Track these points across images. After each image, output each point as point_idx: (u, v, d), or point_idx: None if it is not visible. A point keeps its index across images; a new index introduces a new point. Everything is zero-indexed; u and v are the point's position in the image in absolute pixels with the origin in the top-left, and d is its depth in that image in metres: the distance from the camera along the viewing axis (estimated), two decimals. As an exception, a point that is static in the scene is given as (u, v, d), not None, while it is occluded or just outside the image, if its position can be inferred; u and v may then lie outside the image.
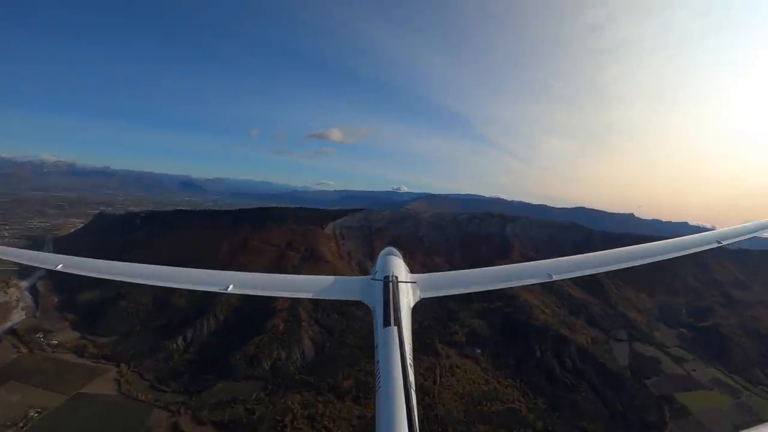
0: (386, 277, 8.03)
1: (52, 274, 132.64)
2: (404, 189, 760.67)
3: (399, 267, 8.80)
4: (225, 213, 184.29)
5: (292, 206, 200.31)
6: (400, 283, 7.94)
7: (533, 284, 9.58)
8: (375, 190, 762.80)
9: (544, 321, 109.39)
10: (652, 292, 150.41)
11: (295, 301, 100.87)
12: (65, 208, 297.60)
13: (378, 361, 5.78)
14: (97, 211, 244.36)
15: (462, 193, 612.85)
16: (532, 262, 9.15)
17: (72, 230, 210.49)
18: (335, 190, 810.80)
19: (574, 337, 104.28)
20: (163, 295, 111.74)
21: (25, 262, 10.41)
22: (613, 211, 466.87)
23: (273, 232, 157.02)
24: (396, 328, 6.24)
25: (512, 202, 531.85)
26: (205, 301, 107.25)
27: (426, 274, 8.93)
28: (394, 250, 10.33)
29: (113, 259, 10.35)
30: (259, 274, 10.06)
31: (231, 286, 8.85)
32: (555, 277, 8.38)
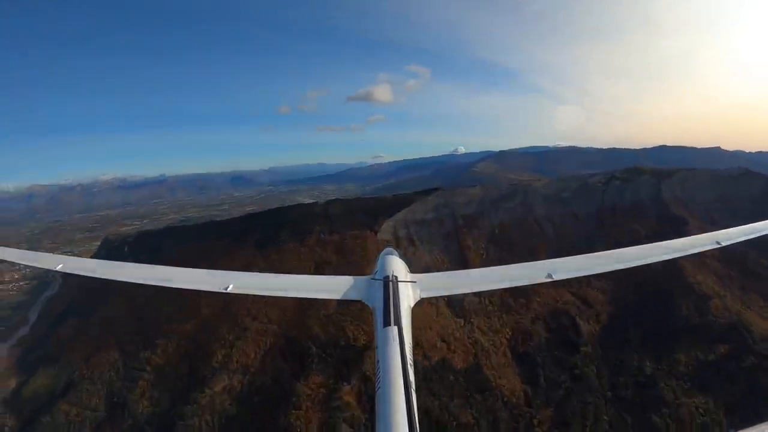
0: (386, 277, 8.14)
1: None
2: (462, 150, 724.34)
3: (399, 267, 8.81)
4: (230, 223, 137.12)
5: (324, 199, 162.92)
6: (400, 283, 7.99)
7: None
8: (432, 155, 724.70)
9: None
10: None
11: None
12: (97, 230, 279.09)
13: (378, 361, 5.78)
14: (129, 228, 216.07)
15: (525, 145, 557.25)
16: (532, 263, 9.08)
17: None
18: (389, 162, 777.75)
19: None
20: (125, 391, 65.96)
21: (25, 263, 10.26)
22: (698, 146, 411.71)
23: (292, 251, 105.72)
24: (396, 327, 6.27)
25: (587, 148, 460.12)
26: (179, 396, 60.56)
27: (426, 274, 9.00)
28: (394, 249, 10.28)
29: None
30: (258, 274, 10.73)
31: (231, 286, 8.83)
32: (555, 277, 8.40)
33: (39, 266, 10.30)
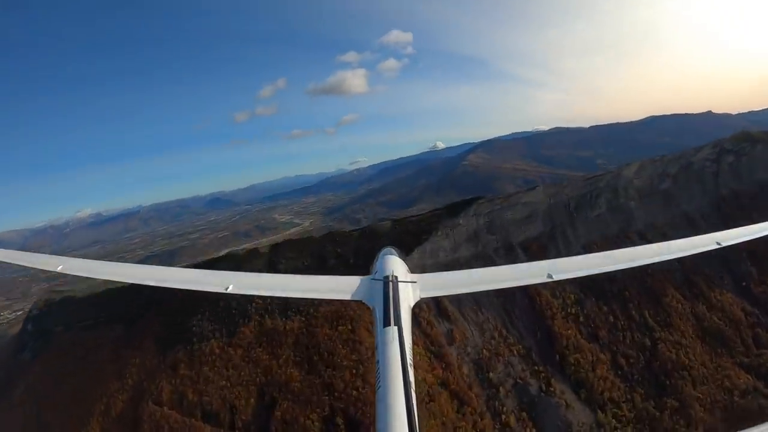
0: (386, 277, 7.92)
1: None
2: (441, 145, 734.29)
3: (399, 266, 8.55)
4: (132, 297, 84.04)
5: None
6: (400, 283, 7.81)
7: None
8: (411, 154, 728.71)
9: None
10: None
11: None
12: (58, 278, 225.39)
13: (378, 361, 5.77)
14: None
15: (506, 133, 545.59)
16: (532, 263, 8.99)
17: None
18: (369, 165, 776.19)
19: None
20: None
21: (24, 264, 9.88)
22: (692, 112, 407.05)
23: (215, 358, 59.68)
24: (396, 328, 6.25)
25: (577, 128, 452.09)
26: None
27: (426, 274, 8.70)
28: (393, 249, 9.63)
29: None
30: (258, 274, 10.88)
31: (231, 287, 8.63)
32: (555, 277, 8.13)
33: (39, 267, 10.02)
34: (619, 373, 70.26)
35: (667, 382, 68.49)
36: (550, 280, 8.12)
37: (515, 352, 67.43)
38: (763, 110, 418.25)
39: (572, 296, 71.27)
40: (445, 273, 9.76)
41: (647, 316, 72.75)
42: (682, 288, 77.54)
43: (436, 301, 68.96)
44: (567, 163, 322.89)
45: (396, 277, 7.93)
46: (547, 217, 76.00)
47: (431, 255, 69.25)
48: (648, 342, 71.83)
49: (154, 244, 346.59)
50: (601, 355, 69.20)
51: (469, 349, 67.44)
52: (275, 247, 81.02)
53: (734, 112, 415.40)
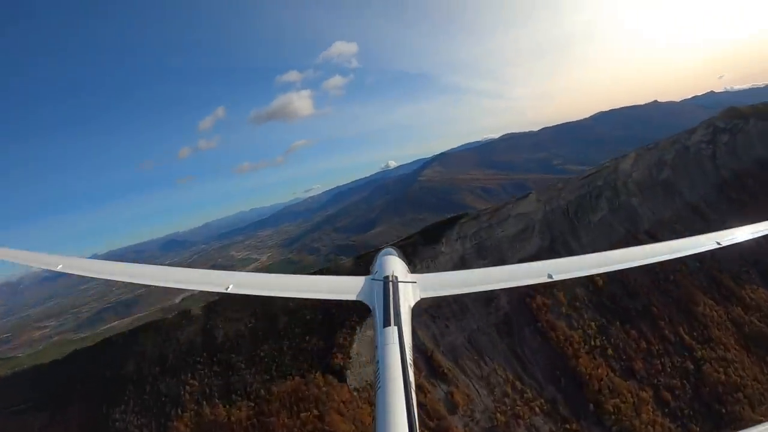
0: (386, 277, 7.79)
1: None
2: (393, 164, 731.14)
3: (399, 267, 8.42)
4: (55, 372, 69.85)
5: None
6: (400, 283, 7.68)
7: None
8: (364, 175, 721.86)
9: None
10: None
11: None
12: (7, 342, 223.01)
13: (378, 361, 5.68)
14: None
15: (457, 145, 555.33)
16: (532, 263, 8.74)
17: None
18: (324, 191, 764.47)
19: None
20: None
21: (24, 263, 9.76)
22: (635, 104, 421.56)
23: None
24: (396, 328, 6.18)
25: (527, 132, 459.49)
26: None
27: (426, 274, 8.53)
28: (393, 249, 9.53)
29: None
30: (258, 274, 11.61)
31: (231, 286, 8.51)
32: (555, 277, 7.94)
33: (39, 266, 9.82)
34: (666, 410, 56.35)
35: (723, 410, 55.57)
36: (550, 280, 7.91)
37: (537, 409, 51.73)
38: (705, 94, 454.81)
39: (593, 324, 57.18)
40: (445, 273, 10.05)
41: (683, 333, 59.66)
42: (711, 291, 65.64)
43: (426, 358, 53.04)
44: (524, 167, 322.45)
45: (396, 277, 7.80)
46: (545, 228, 63.31)
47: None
48: (691, 365, 58.56)
49: (110, 295, 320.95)
50: (642, 393, 54.86)
51: (477, 416, 51.17)
52: (211, 306, 63.40)
53: (678, 99, 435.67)
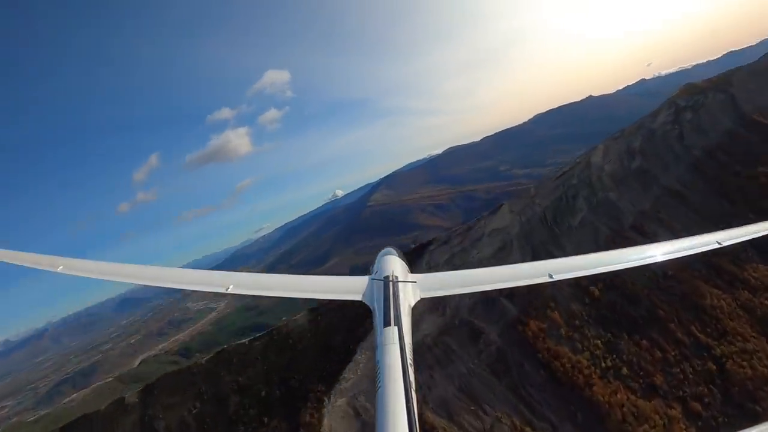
0: (386, 277, 7.56)
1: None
2: (340, 193, 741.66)
3: (399, 267, 8.10)
4: None
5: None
6: (400, 283, 7.43)
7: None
8: (313, 208, 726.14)
9: None
10: None
11: None
12: None
13: (378, 362, 5.64)
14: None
15: (402, 165, 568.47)
16: (532, 263, 8.42)
17: None
18: (275, 229, 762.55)
19: None
20: None
21: (24, 264, 9.34)
22: (571, 101, 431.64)
23: None
24: (396, 328, 6.08)
25: (469, 144, 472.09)
26: None
27: (426, 274, 8.22)
28: (393, 249, 9.06)
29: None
30: (258, 274, 10.60)
31: (231, 286, 8.23)
32: (556, 277, 7.67)
33: (38, 267, 9.41)
34: (700, 423, 49.05)
35: (758, 408, 48.79)
36: (550, 280, 7.68)
37: (557, 457, 43.06)
38: (637, 83, 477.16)
39: (599, 342, 49.73)
40: (445, 273, 9.17)
41: (696, 332, 53.19)
42: (713, 278, 60.19)
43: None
44: (472, 178, 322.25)
45: (396, 277, 7.60)
46: (524, 241, 56.77)
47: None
48: (713, 366, 51.88)
49: (67, 365, 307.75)
50: (671, 411, 47.41)
51: (488, 481, 42.00)
52: (147, 392, 52.51)
53: (612, 90, 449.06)
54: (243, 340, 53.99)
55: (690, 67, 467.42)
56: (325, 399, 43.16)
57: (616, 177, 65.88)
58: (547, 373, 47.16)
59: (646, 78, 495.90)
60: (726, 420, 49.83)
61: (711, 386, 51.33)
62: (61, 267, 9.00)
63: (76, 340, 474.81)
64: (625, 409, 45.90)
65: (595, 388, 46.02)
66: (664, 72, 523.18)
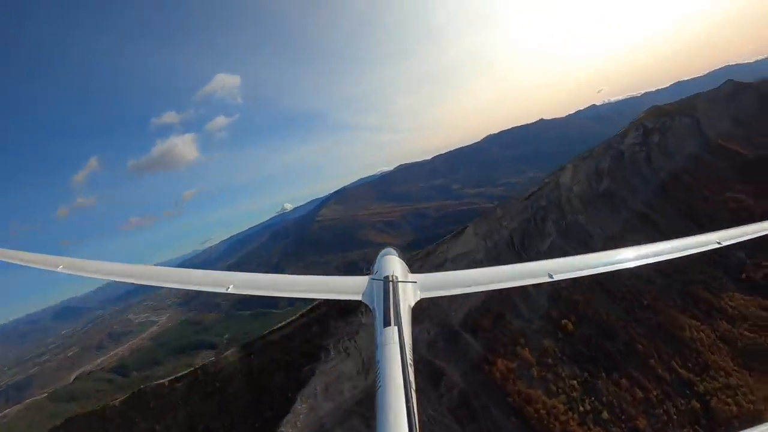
0: (386, 277, 7.65)
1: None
2: (289, 206, 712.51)
3: (399, 267, 8.31)
4: None
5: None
6: (400, 283, 7.55)
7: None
8: (260, 221, 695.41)
9: None
10: None
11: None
12: None
13: (378, 362, 5.61)
14: None
15: (353, 180, 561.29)
16: (532, 263, 8.57)
17: None
18: (221, 241, 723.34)
19: None
20: None
21: (23, 264, 9.45)
22: (524, 123, 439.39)
23: None
24: (396, 328, 6.08)
25: (421, 161, 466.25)
26: None
27: (426, 274, 8.41)
28: (393, 249, 9.41)
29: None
30: (258, 274, 9.95)
31: (231, 286, 8.42)
32: (556, 277, 7.86)
33: (38, 267, 9.41)
34: (688, 471, 44.01)
35: None
36: (550, 280, 7.83)
37: None
38: (588, 108, 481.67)
39: (575, 383, 44.29)
40: (445, 273, 9.31)
41: (677, 367, 48.92)
42: (689, 307, 56.83)
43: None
44: (423, 196, 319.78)
45: (396, 277, 7.69)
46: (483, 263, 51.61)
47: (329, 395, 38.58)
48: (697, 404, 47.44)
49: (2, 377, 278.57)
50: (657, 460, 41.96)
51: None
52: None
53: (563, 114, 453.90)
54: (163, 380, 45.16)
55: (639, 95, 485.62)
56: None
57: (585, 199, 62.97)
58: (519, 420, 40.98)
59: (597, 104, 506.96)
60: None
61: (697, 427, 46.72)
62: (61, 267, 8.99)
63: (12, 349, 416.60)
64: (606, 461, 40.20)
65: (572, 437, 40.16)
66: (613, 99, 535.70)
